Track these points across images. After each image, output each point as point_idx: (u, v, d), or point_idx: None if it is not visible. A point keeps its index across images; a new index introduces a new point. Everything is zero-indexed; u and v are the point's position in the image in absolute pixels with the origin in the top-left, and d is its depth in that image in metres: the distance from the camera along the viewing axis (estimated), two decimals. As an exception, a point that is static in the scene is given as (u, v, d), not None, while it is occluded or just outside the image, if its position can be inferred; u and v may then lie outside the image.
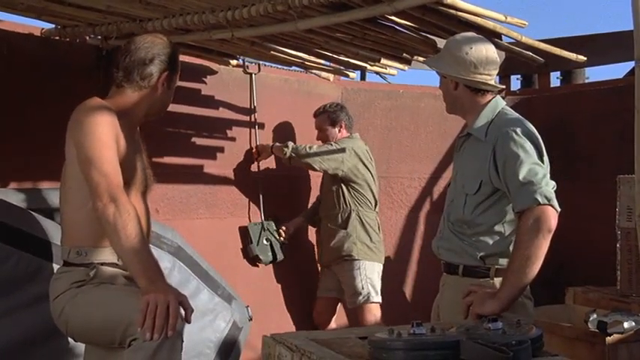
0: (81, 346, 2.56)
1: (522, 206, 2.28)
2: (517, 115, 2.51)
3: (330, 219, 4.44)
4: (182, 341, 2.21)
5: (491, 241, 2.43)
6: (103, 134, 2.27)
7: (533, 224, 2.23)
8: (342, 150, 4.37)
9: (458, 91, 2.54)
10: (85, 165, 2.26)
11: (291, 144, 4.37)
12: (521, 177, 2.29)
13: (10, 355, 2.70)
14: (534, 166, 2.31)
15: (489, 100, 2.54)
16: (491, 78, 2.53)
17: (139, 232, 2.18)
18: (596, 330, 3.40)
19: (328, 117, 4.50)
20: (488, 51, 2.52)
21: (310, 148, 4.37)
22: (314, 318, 4.57)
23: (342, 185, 4.40)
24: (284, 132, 4.72)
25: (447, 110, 2.68)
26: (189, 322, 2.17)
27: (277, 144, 4.44)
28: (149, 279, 2.13)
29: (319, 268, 4.66)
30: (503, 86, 2.66)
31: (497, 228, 2.43)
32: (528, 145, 2.35)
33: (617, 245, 3.99)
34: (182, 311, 2.16)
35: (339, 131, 4.51)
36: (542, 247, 2.24)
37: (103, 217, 2.18)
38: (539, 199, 2.24)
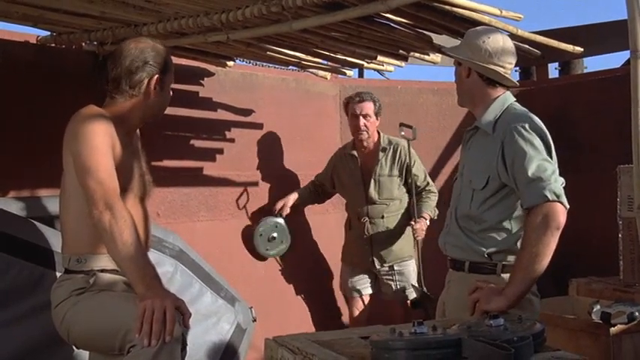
0: (84, 355, 2.56)
1: (531, 203, 2.26)
2: (525, 110, 2.49)
3: (390, 220, 4.27)
4: (185, 345, 2.21)
5: (498, 238, 2.42)
6: (98, 142, 2.28)
7: (542, 221, 2.22)
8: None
9: (470, 80, 2.52)
10: (81, 173, 2.26)
11: (428, 213, 4.25)
12: (530, 173, 2.27)
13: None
14: (543, 162, 2.30)
15: (500, 95, 2.52)
16: (506, 71, 2.50)
17: (136, 238, 2.18)
18: (600, 321, 3.40)
19: (375, 105, 4.29)
20: (505, 42, 2.50)
21: (425, 180, 4.33)
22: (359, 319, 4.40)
23: (408, 189, 4.31)
24: (283, 131, 4.72)
25: (458, 102, 2.65)
26: (187, 327, 2.17)
27: (424, 219, 4.25)
28: (146, 285, 2.14)
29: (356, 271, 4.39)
30: (517, 83, 2.63)
31: (505, 224, 2.42)
32: (537, 141, 2.33)
33: (619, 235, 3.99)
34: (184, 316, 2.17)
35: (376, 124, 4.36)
36: (551, 244, 2.23)
37: (99, 225, 2.18)
38: (549, 195, 2.22)
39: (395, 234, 4.27)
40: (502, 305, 2.22)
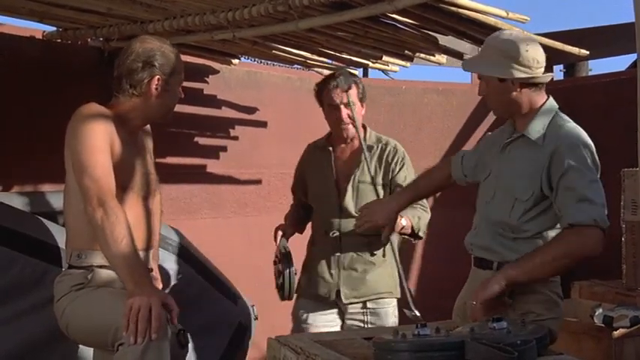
0: (85, 351, 2.57)
1: (580, 220, 2.21)
2: (573, 122, 2.45)
3: (370, 241, 3.13)
4: (187, 343, 2.23)
5: (532, 247, 2.36)
6: (95, 140, 2.28)
7: (584, 242, 2.20)
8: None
9: (521, 92, 2.43)
10: (77, 170, 2.28)
11: (408, 218, 3.09)
12: (585, 192, 2.23)
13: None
14: (598, 185, 2.26)
15: (545, 101, 2.47)
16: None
17: (127, 236, 2.18)
18: (602, 325, 3.40)
19: (359, 89, 3.24)
20: (538, 45, 2.45)
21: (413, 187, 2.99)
22: None
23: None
24: (287, 130, 4.72)
25: (497, 114, 2.56)
26: (174, 324, 2.17)
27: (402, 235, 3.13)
28: (135, 282, 2.14)
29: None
30: (553, 73, 2.57)
31: (543, 234, 2.37)
32: (590, 161, 2.30)
33: (622, 239, 3.98)
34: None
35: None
36: (574, 263, 2.23)
37: (92, 222, 2.20)
38: (599, 221, 2.18)
39: (375, 260, 3.18)
40: (496, 286, 2.21)
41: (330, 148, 3.30)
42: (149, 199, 2.53)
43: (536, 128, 2.42)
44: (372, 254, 3.19)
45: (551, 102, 2.49)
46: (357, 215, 3.01)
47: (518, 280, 2.25)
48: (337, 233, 3.18)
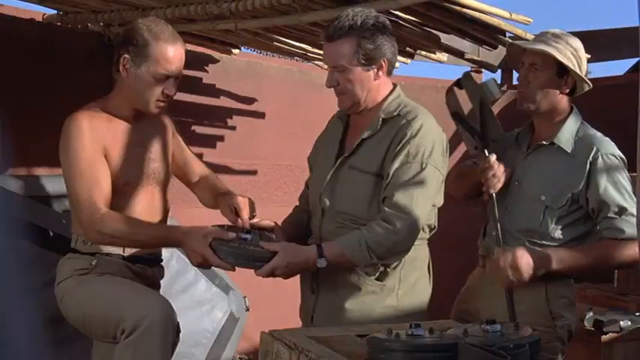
0: (82, 338, 2.57)
1: (630, 235, 2.26)
2: (601, 133, 2.46)
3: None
4: (178, 332, 2.28)
5: None
6: (77, 163, 2.28)
7: (630, 256, 2.26)
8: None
9: (563, 96, 2.43)
10: (67, 191, 2.34)
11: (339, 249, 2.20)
12: (628, 206, 2.29)
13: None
14: (631, 198, 2.30)
15: (572, 110, 2.46)
16: None
17: (128, 230, 2.24)
18: (592, 328, 3.41)
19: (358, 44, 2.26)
20: None
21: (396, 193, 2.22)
22: None
23: None
24: (285, 121, 4.71)
25: (529, 110, 2.44)
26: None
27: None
28: (173, 242, 2.33)
29: None
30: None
31: (573, 243, 2.39)
32: (627, 174, 2.33)
33: (616, 243, 3.99)
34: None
35: (376, 77, 2.31)
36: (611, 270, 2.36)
37: (95, 242, 2.29)
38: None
39: (362, 283, 2.29)
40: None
41: (339, 118, 2.41)
42: (156, 189, 2.52)
43: (566, 136, 2.40)
44: (365, 274, 2.27)
45: (576, 111, 2.47)
46: (337, 213, 2.25)
47: (548, 270, 2.29)
48: (314, 238, 2.30)
